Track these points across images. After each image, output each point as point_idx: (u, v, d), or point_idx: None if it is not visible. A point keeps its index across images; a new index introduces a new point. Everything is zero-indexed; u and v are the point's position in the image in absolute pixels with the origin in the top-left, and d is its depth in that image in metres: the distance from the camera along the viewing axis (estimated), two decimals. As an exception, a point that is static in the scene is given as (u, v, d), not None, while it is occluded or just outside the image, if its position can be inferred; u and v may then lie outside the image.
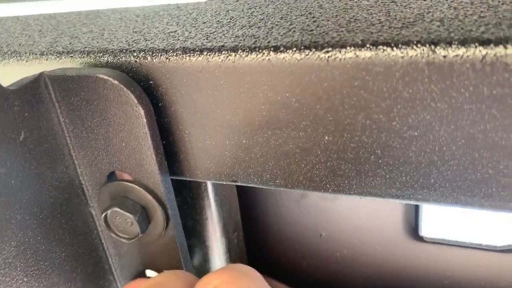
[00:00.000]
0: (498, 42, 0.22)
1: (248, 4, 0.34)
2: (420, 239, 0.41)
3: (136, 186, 0.32)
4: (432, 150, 0.25)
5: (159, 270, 0.36)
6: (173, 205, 0.33)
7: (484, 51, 0.22)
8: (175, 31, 0.31)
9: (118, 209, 0.31)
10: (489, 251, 0.39)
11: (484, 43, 0.22)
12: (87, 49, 0.32)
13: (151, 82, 0.30)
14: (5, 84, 0.28)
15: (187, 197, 0.37)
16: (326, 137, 0.27)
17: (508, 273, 0.40)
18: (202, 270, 0.41)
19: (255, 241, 0.47)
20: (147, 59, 0.29)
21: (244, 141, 0.30)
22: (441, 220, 0.40)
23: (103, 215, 0.32)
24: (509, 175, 0.24)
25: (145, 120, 0.29)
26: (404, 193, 0.27)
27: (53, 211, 0.32)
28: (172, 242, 0.34)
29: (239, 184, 0.32)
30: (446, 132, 0.24)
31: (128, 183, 0.32)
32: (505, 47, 0.21)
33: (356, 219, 0.44)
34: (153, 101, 0.30)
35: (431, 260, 0.42)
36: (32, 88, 0.29)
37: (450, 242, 0.40)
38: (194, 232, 0.39)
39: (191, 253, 0.40)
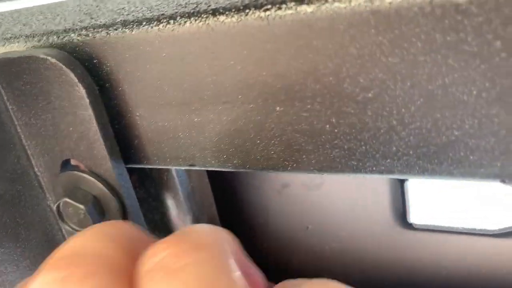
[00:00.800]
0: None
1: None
2: (410, 226, 0.38)
3: (87, 176, 0.30)
4: (389, 113, 0.23)
5: (124, 266, 0.34)
6: (130, 195, 0.31)
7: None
8: (122, 8, 0.30)
9: (68, 200, 0.30)
10: (485, 236, 0.36)
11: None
12: (34, 33, 0.30)
13: (95, 61, 0.28)
14: None
15: (151, 188, 0.35)
16: (278, 108, 0.25)
17: (508, 259, 0.36)
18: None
19: (236, 236, 0.45)
20: (88, 36, 0.28)
21: (195, 119, 0.28)
22: (430, 205, 0.36)
23: (55, 206, 0.30)
24: (476, 135, 0.22)
25: (87, 100, 0.27)
26: (366, 165, 0.24)
27: (4, 204, 0.30)
28: (133, 234, 0.32)
29: (197, 168, 0.30)
30: (402, 91, 0.22)
31: (80, 173, 0.30)
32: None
33: (342, 209, 0.41)
34: (100, 82, 0.29)
35: (425, 249, 0.39)
36: (-29, 73, 0.28)
37: (441, 229, 0.37)
38: (162, 227, 0.37)
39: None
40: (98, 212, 0.31)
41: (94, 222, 0.30)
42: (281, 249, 0.46)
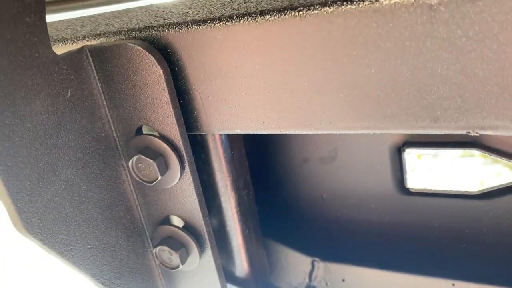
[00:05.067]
0: (424, -11, 0.28)
1: (246, -9, 0.42)
2: (408, 191, 0.47)
3: (156, 138, 0.39)
4: (386, 83, 0.32)
5: (180, 215, 0.43)
6: (189, 154, 0.40)
7: (414, -3, 0.28)
8: (187, 12, 0.39)
9: (141, 156, 0.39)
10: (467, 198, 0.44)
11: (415, -9, 0.29)
12: (119, 29, 0.40)
13: (168, 50, 0.38)
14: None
15: (201, 154, 0.44)
16: (306, 83, 0.34)
17: (487, 219, 0.45)
18: (217, 219, 0.47)
19: (264, 201, 0.54)
20: (164, 31, 0.37)
21: (243, 93, 0.37)
22: (423, 171, 0.45)
23: (130, 161, 0.40)
24: (448, 98, 0.30)
25: (163, 78, 0.37)
26: (370, 123, 0.33)
27: (93, 158, 0.39)
28: (189, 186, 0.41)
29: (242, 132, 0.39)
30: (393, 67, 0.31)
31: (150, 136, 0.39)
32: (429, -8, 0.28)
33: (352, 180, 0.50)
34: (171, 66, 0.38)
35: (420, 211, 0.47)
36: (76, 57, 0.37)
37: (432, 192, 0.46)
38: (208, 185, 0.46)
39: (208, 204, 0.47)
40: (163, 167, 0.40)
41: (160, 173, 0.39)
42: (300, 215, 0.55)
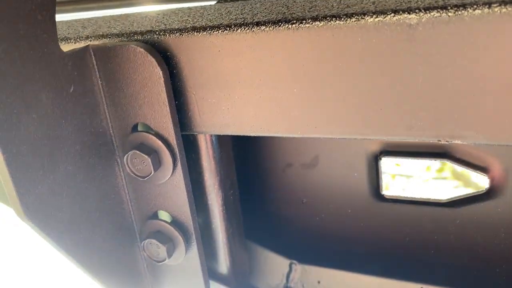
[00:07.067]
0: (405, 11, 0.32)
1: (242, 3, 0.45)
2: (383, 198, 0.50)
3: (151, 136, 0.41)
4: (368, 93, 0.35)
5: (169, 210, 0.45)
6: (182, 152, 0.42)
7: (396, 17, 0.32)
8: (186, 19, 0.42)
9: (136, 151, 0.41)
10: (437, 206, 0.48)
11: (397, 11, 0.32)
12: (121, 32, 0.43)
13: (168, 53, 0.40)
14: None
15: (192, 153, 0.47)
16: (295, 90, 0.37)
17: (453, 226, 0.48)
18: (203, 217, 0.50)
19: (247, 203, 0.56)
20: (165, 35, 0.40)
21: (236, 97, 0.40)
22: (398, 179, 0.49)
23: (125, 156, 0.42)
24: (422, 109, 0.34)
25: (162, 79, 0.39)
26: (351, 129, 0.37)
27: (90, 152, 0.41)
28: (180, 183, 0.43)
29: (232, 133, 0.42)
30: (374, 78, 0.34)
31: (146, 133, 0.42)
32: (409, 13, 0.32)
33: (331, 185, 0.53)
34: (169, 68, 0.41)
35: (393, 216, 0.51)
36: (80, 55, 0.40)
37: (405, 199, 0.49)
38: (197, 183, 0.48)
39: (195, 202, 0.49)
40: (157, 163, 0.42)
41: (154, 168, 0.42)
42: (281, 219, 0.57)
